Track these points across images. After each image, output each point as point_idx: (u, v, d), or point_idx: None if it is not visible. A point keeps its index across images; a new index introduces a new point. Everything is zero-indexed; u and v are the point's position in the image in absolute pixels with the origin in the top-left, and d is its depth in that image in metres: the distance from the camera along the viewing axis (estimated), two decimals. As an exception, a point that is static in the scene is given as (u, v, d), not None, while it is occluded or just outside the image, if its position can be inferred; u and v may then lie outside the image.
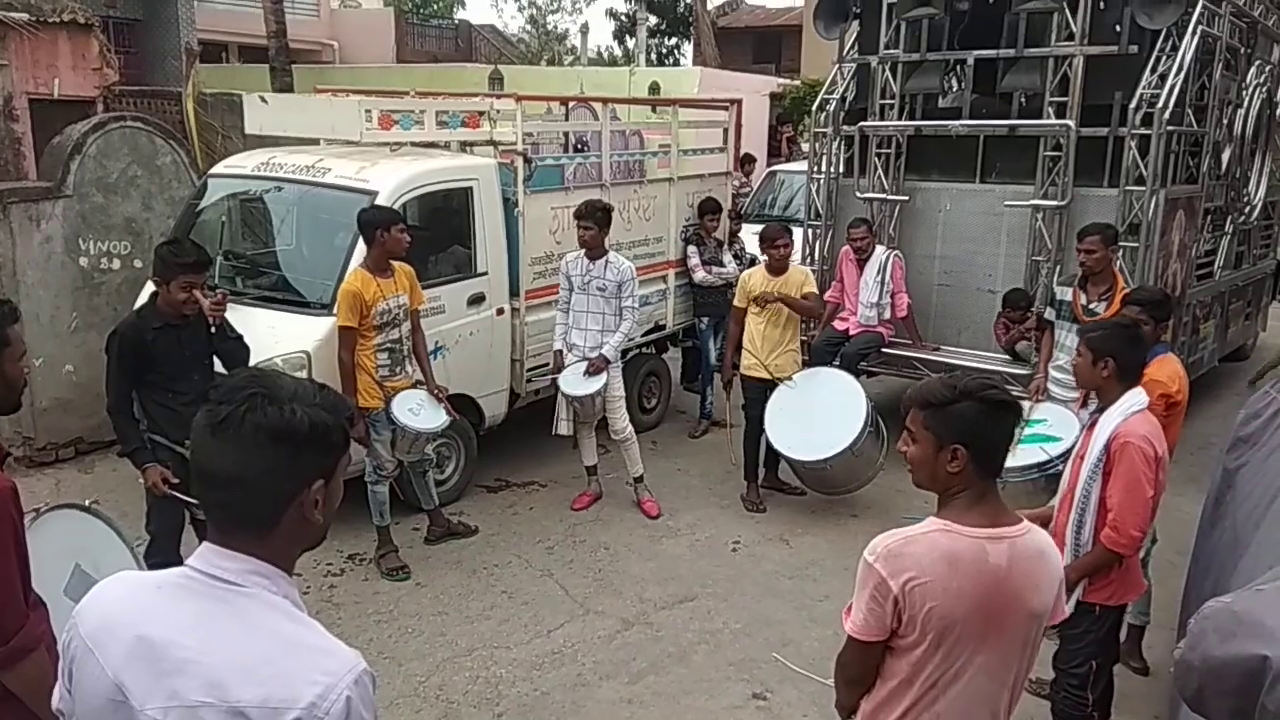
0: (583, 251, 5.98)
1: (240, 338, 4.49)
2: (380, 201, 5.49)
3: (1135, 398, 3.29)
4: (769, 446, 6.20)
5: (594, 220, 5.85)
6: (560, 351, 6.13)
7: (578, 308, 6.03)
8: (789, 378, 6.14)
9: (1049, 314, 5.80)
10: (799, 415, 6.02)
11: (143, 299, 5.85)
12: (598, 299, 5.96)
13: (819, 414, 5.97)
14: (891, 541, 2.12)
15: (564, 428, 6.14)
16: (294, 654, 1.38)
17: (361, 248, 5.30)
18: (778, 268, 6.12)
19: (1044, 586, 2.14)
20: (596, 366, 5.92)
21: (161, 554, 4.16)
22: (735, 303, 6.36)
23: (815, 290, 6.37)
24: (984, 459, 2.13)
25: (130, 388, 4.22)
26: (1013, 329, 6.79)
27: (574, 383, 5.95)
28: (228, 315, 4.66)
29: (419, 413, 5.24)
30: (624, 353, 6.45)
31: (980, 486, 2.14)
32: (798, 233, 8.21)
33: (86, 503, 3.15)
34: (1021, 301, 6.63)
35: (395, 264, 5.18)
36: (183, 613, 1.40)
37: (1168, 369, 4.01)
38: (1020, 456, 4.53)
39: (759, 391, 6.18)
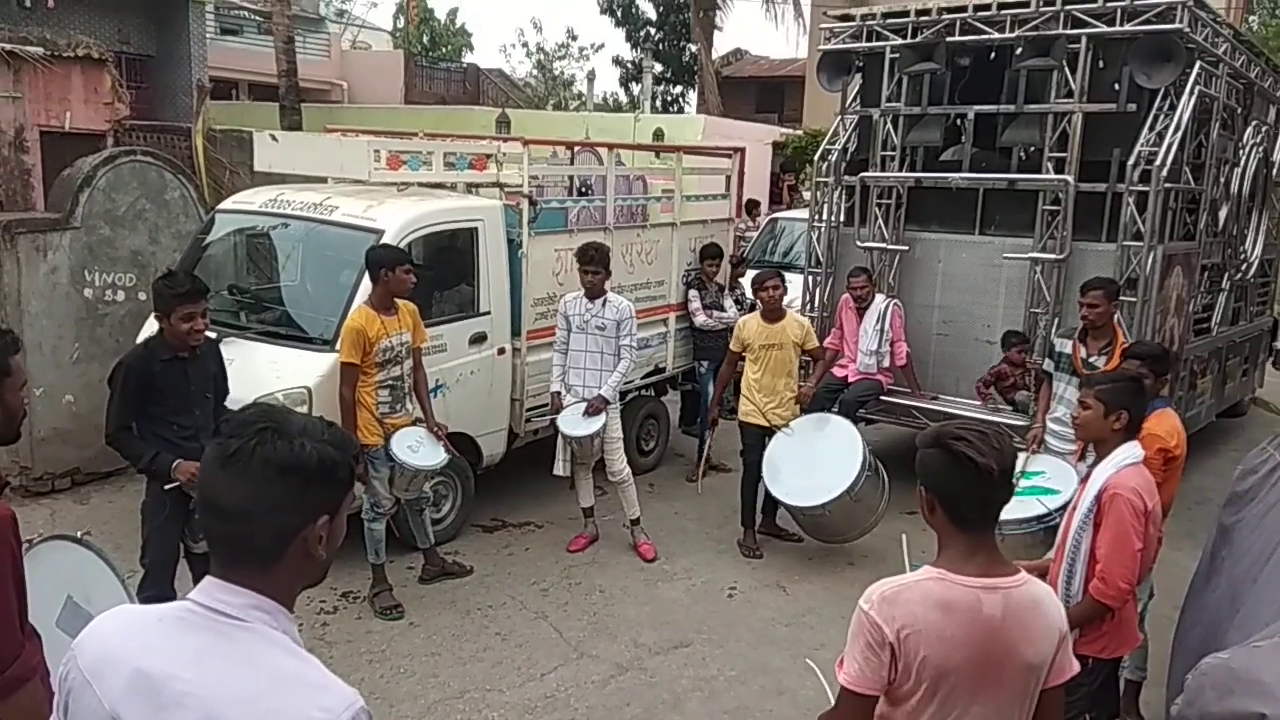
0: (581, 292, 6.03)
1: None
2: (386, 240, 5.54)
3: (1130, 450, 3.30)
4: (766, 492, 6.20)
5: (602, 265, 5.92)
6: (558, 393, 6.15)
7: (576, 348, 6.06)
8: (786, 425, 6.15)
9: (1047, 365, 5.83)
10: (797, 461, 6.02)
11: (145, 332, 5.90)
12: (597, 338, 6.00)
13: (816, 460, 5.98)
14: (886, 589, 2.12)
15: (562, 468, 6.13)
16: (292, 690, 1.38)
17: (366, 285, 5.34)
18: (771, 312, 6.16)
19: (1039, 638, 2.12)
20: (595, 407, 5.94)
21: (156, 587, 4.14)
22: (730, 347, 6.41)
23: (816, 344, 6.55)
24: (950, 508, 2.12)
25: (131, 418, 4.22)
26: (1013, 374, 6.84)
27: (573, 423, 5.97)
28: (231, 349, 4.71)
29: (418, 450, 5.24)
30: (623, 394, 6.47)
31: (968, 537, 2.13)
32: (798, 280, 8.29)
33: (79, 534, 3.14)
34: (1018, 341, 6.73)
35: (399, 302, 5.22)
36: (183, 646, 1.40)
37: (1166, 424, 4.03)
38: (1019, 509, 4.52)
39: (757, 438, 6.20)
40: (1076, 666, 2.26)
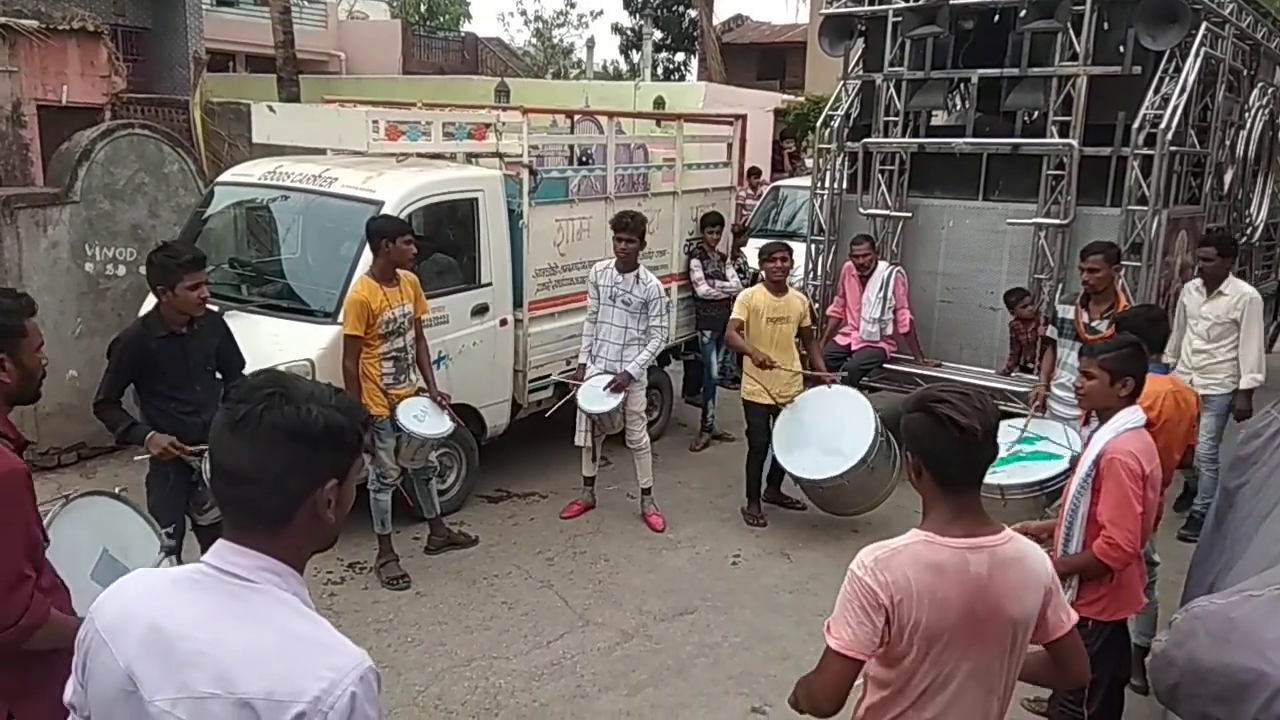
0: (613, 262, 6.00)
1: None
2: (386, 211, 5.51)
3: (1132, 415, 3.31)
4: (772, 459, 6.20)
5: (636, 233, 5.87)
6: (584, 366, 6.14)
7: (602, 319, 6.04)
8: (791, 400, 6.11)
9: (1050, 332, 5.81)
10: (809, 434, 5.98)
11: (146, 307, 5.88)
12: (622, 312, 5.97)
13: (829, 431, 5.92)
14: (879, 553, 2.14)
15: (584, 439, 6.14)
16: (301, 649, 1.41)
17: (367, 257, 5.34)
18: (777, 284, 6.09)
19: (1024, 593, 2.15)
20: (619, 384, 5.92)
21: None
22: (735, 314, 6.14)
23: (810, 323, 6.33)
24: (934, 470, 2.15)
25: (121, 391, 4.22)
26: (1025, 331, 6.81)
27: (592, 399, 5.96)
28: (232, 322, 4.70)
29: (423, 420, 5.28)
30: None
31: (954, 498, 2.15)
32: (800, 248, 8.25)
33: (116, 490, 3.24)
34: (1017, 299, 6.69)
35: (401, 273, 5.21)
36: (195, 607, 1.45)
37: (1147, 387, 3.97)
38: (1022, 473, 4.53)
39: (762, 417, 6.16)
40: (1074, 617, 2.28)
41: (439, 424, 5.35)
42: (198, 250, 4.38)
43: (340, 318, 5.22)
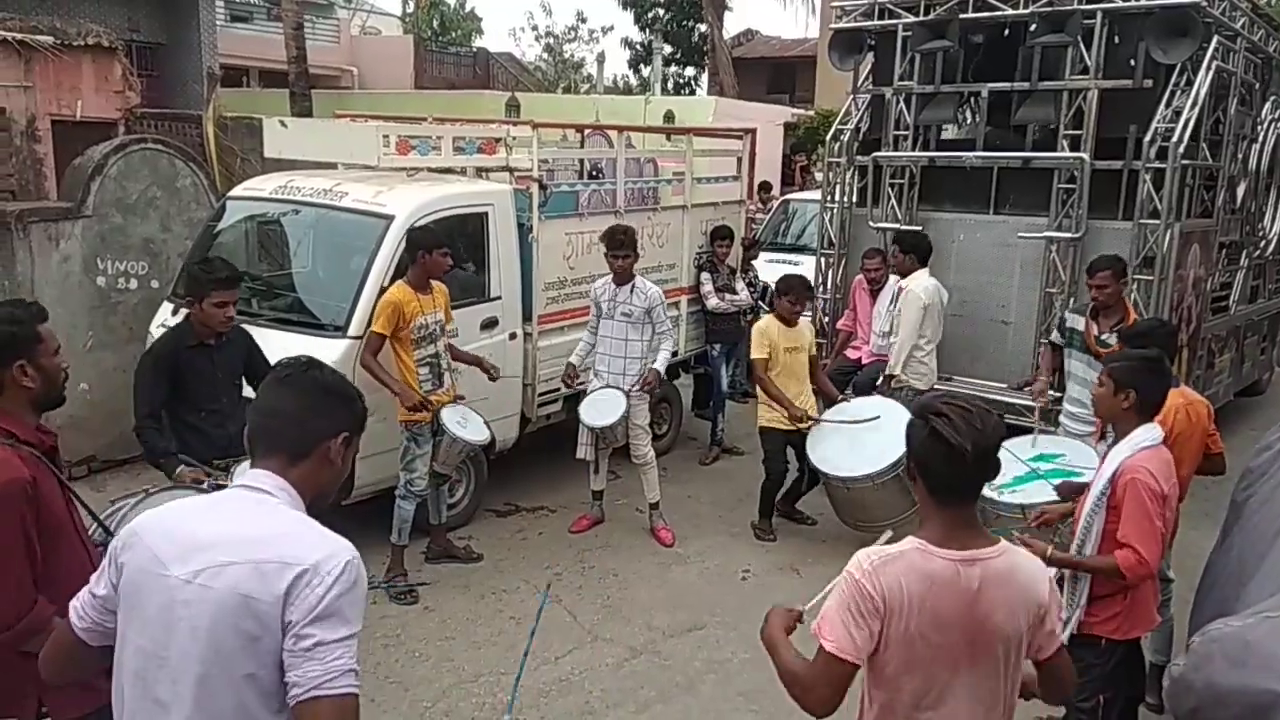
0: (610, 276, 6.01)
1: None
2: (396, 226, 5.54)
3: (1148, 433, 3.27)
4: (796, 476, 6.18)
5: (630, 248, 5.91)
6: (572, 365, 6.15)
7: (604, 334, 6.05)
8: (816, 419, 6.04)
9: (1056, 338, 5.76)
10: (844, 438, 5.90)
11: (158, 319, 5.92)
12: (622, 324, 5.97)
13: (868, 435, 5.81)
14: (875, 558, 2.12)
15: (586, 452, 6.12)
16: (306, 535, 1.79)
17: (377, 271, 5.41)
18: (790, 320, 6.06)
19: (1015, 609, 2.12)
20: (648, 380, 5.94)
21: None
22: (756, 355, 6.04)
23: (815, 349, 6.39)
24: (925, 479, 2.14)
25: (162, 402, 4.19)
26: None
27: (594, 412, 5.95)
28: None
29: (465, 426, 5.42)
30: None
31: (947, 512, 2.13)
32: (810, 262, 8.26)
33: (204, 485, 3.51)
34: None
35: (433, 283, 5.32)
36: (225, 510, 1.86)
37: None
38: (1040, 493, 4.47)
39: (780, 444, 6.10)
40: (1060, 640, 2.25)
41: (479, 431, 5.51)
42: (234, 269, 4.42)
43: (351, 331, 5.31)
